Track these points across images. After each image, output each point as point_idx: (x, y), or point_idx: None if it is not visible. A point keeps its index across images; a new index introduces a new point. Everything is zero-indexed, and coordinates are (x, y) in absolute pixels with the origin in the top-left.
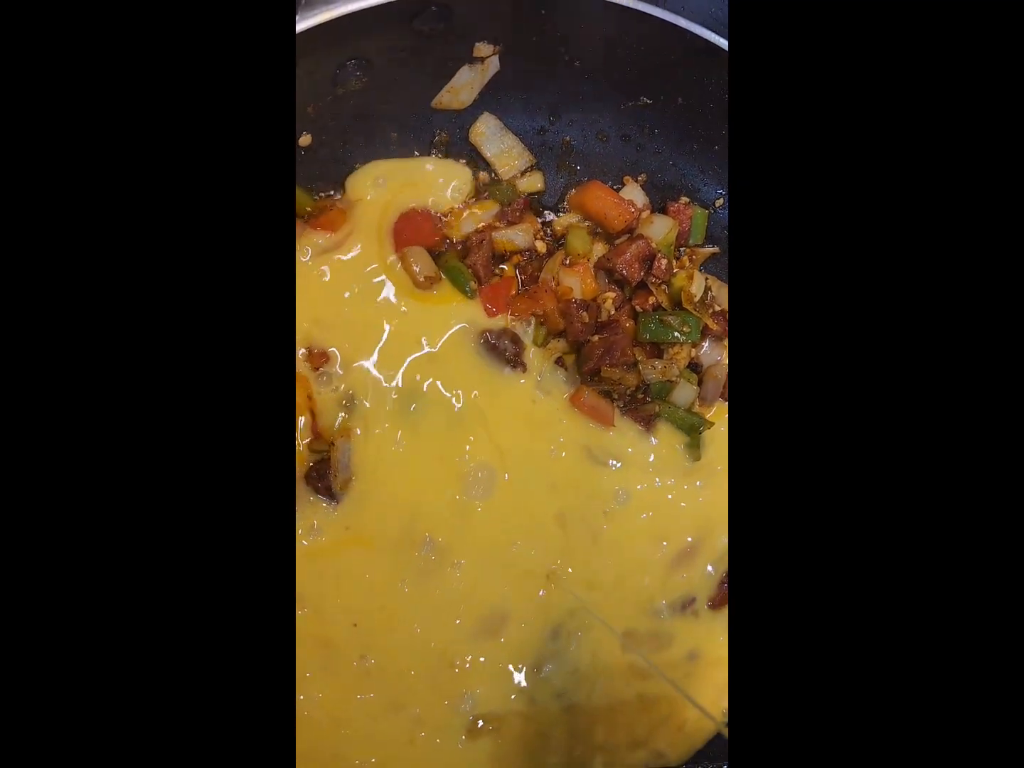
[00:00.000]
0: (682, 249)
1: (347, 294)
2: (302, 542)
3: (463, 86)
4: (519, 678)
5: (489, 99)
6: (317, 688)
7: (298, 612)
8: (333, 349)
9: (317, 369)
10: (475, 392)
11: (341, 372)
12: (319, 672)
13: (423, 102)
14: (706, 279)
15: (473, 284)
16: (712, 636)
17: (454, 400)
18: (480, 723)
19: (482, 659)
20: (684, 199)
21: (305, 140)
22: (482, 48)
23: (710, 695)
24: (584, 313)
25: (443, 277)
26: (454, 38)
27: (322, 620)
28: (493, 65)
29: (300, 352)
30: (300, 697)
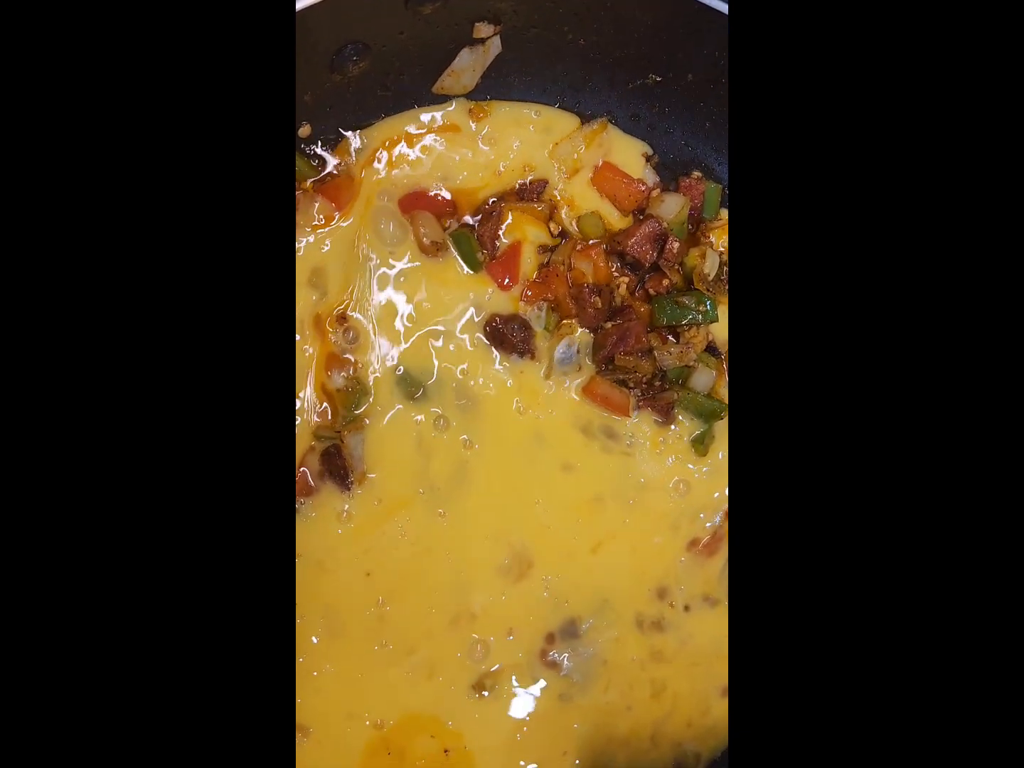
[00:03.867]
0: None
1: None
2: (337, 531)
3: (464, 69)
4: (536, 641)
5: (492, 82)
6: (324, 652)
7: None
8: (357, 315)
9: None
10: (481, 379)
11: (352, 358)
12: (326, 637)
13: (424, 87)
14: (720, 254)
15: (481, 255)
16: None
17: (461, 386)
18: (493, 682)
19: (504, 597)
20: (696, 174)
21: (304, 131)
22: (482, 28)
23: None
24: (597, 298)
25: (450, 246)
26: (453, 18)
27: (329, 582)
28: (495, 46)
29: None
30: (300, 660)
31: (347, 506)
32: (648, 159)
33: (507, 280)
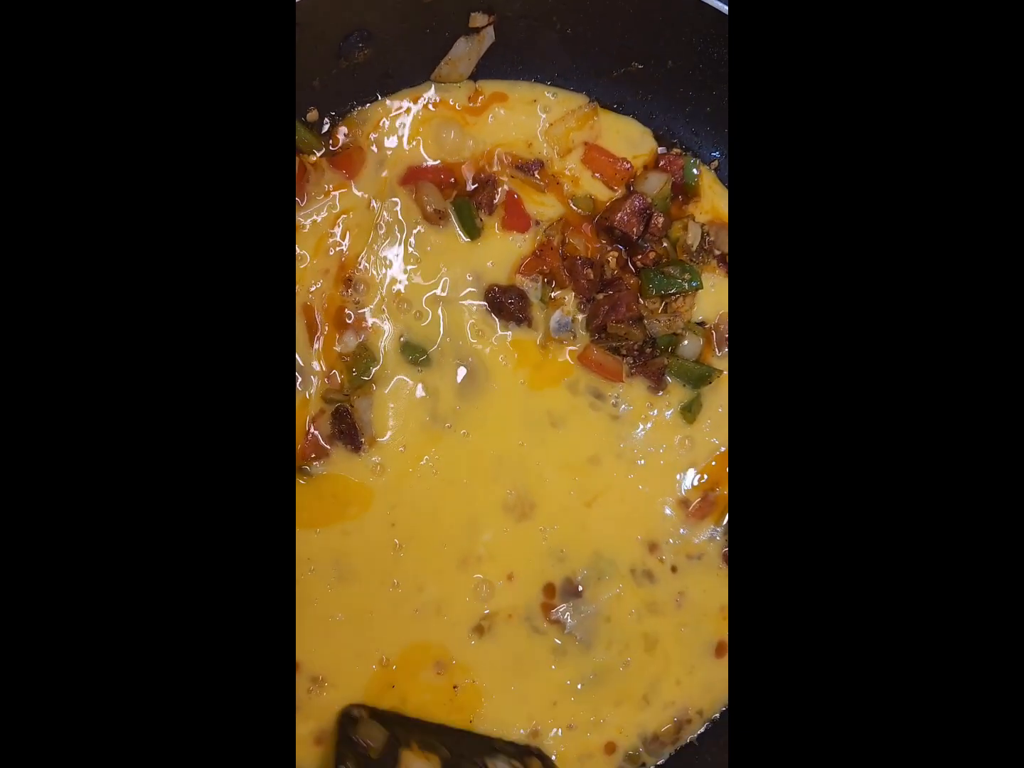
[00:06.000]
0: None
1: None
2: (368, 479)
3: (460, 58)
4: (535, 587)
5: (485, 71)
6: (336, 598)
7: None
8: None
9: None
10: (479, 342)
11: (361, 316)
12: (336, 583)
13: (424, 74)
14: (702, 226)
15: (480, 219)
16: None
17: (461, 349)
18: (491, 623)
19: (506, 532)
20: (675, 150)
21: (312, 115)
22: (477, 18)
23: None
24: (589, 270)
25: (451, 215)
26: (451, 8)
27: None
28: (489, 36)
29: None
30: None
31: (377, 457)
32: None
33: (522, 227)
